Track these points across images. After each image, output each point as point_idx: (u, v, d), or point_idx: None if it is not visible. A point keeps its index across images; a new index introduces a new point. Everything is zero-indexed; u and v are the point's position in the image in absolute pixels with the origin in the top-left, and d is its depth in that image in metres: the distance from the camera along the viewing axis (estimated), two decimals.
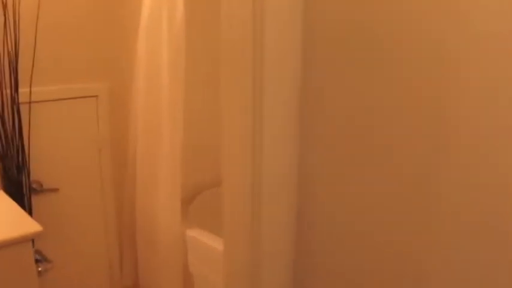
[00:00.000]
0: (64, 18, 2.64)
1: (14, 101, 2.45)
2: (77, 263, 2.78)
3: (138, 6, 2.74)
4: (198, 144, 3.24)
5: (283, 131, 1.28)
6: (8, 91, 2.43)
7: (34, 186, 2.63)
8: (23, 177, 2.52)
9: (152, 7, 2.68)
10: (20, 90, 2.47)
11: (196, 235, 2.90)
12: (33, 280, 2.06)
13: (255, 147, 1.23)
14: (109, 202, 2.98)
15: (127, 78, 2.85)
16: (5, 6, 2.38)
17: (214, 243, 2.81)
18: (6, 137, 2.45)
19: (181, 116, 2.76)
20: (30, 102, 2.53)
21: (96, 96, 2.79)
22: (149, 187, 2.89)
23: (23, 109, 2.51)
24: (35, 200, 2.61)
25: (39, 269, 2.16)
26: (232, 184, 1.32)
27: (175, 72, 2.70)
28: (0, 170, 2.47)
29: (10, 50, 2.40)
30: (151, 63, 2.74)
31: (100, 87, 2.80)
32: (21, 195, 2.52)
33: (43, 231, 2.01)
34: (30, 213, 2.53)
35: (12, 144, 2.47)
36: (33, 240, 2.03)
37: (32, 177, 2.60)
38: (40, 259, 2.37)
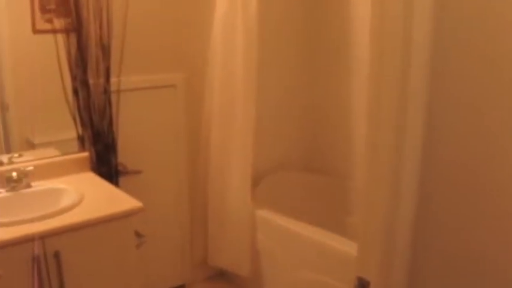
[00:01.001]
0: (147, 13, 2.86)
1: (106, 90, 2.67)
2: (152, 240, 3.00)
3: (213, 2, 2.95)
4: (269, 130, 3.43)
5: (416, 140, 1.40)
6: (101, 80, 2.66)
7: (120, 168, 2.85)
8: (112, 159, 2.76)
9: (227, 2, 2.88)
10: (111, 79, 2.69)
11: (266, 215, 3.09)
12: (132, 252, 2.30)
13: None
14: (184, 183, 3.19)
15: (202, 69, 3.05)
16: (99, 3, 2.60)
17: (283, 222, 3.00)
18: (99, 123, 2.68)
19: (254, 102, 2.96)
20: (118, 91, 2.74)
21: (174, 85, 3.00)
22: (222, 169, 3.10)
23: (112, 97, 2.74)
24: (121, 181, 2.83)
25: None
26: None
27: (248, 63, 2.90)
28: (93, 153, 2.70)
29: (105, 42, 2.62)
30: (226, 54, 2.94)
31: (178, 77, 3.00)
32: (110, 176, 2.75)
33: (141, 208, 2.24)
34: None
35: (104, 130, 2.70)
36: None
37: (118, 160, 2.82)
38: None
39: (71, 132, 2.66)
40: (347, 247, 2.63)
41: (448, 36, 1.37)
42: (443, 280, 1.34)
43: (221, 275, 3.48)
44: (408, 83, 1.38)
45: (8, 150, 2.55)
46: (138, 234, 2.45)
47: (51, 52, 2.55)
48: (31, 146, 2.62)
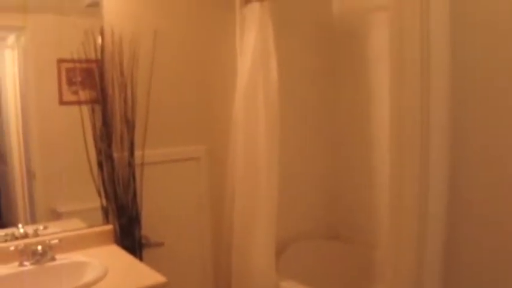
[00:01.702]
0: (171, 87, 2.95)
1: (130, 163, 2.72)
2: None
3: (233, 76, 3.03)
4: (291, 198, 3.44)
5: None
6: (126, 154, 2.70)
7: (143, 240, 2.86)
8: (136, 232, 2.77)
9: (249, 75, 2.95)
10: (135, 152, 2.74)
11: (290, 286, 3.06)
12: None
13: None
14: (207, 254, 3.19)
15: (225, 140, 3.10)
16: (124, 79, 2.68)
17: None
18: (123, 196, 2.71)
19: (277, 171, 2.98)
20: (142, 164, 2.78)
21: (198, 157, 3.04)
22: (245, 241, 3.08)
23: (136, 170, 2.78)
24: (144, 254, 2.84)
25: None
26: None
27: (271, 133, 2.94)
28: (117, 226, 2.72)
29: (129, 117, 2.68)
30: (248, 125, 2.98)
31: (201, 149, 3.05)
32: (134, 249, 2.75)
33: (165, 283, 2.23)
34: None
35: (128, 203, 2.73)
36: None
37: (141, 233, 2.84)
38: None
39: (95, 202, 2.70)
40: None
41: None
42: None
43: None
44: (428, 155, 1.40)
45: (34, 219, 2.59)
46: None
47: (76, 124, 2.61)
48: (56, 215, 2.65)
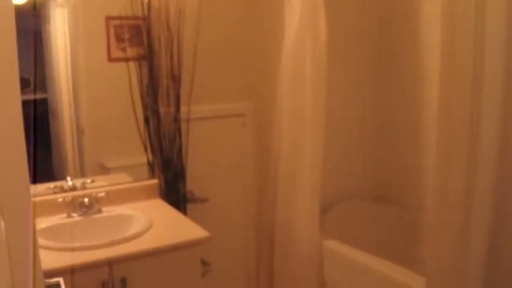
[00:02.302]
0: (217, 43, 2.93)
1: (176, 119, 2.72)
2: (217, 269, 3.00)
3: (281, 32, 2.97)
4: (338, 158, 3.40)
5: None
6: (171, 109, 2.71)
7: (187, 195, 2.88)
8: (181, 187, 2.79)
9: (296, 33, 2.89)
10: (181, 108, 2.74)
11: (334, 246, 3.05)
12: (198, 280, 2.30)
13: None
14: (250, 212, 3.20)
15: (272, 98, 3.07)
16: (170, 34, 2.66)
17: (352, 254, 2.94)
18: (168, 151, 2.72)
19: (323, 131, 2.93)
20: (188, 120, 2.79)
21: (244, 114, 3.02)
22: (289, 200, 3.07)
23: (182, 125, 2.79)
24: (188, 208, 2.86)
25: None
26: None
27: (318, 92, 2.89)
28: (162, 180, 2.74)
29: (175, 72, 2.68)
30: (295, 84, 2.93)
31: (247, 106, 3.03)
32: (178, 203, 2.78)
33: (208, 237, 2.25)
34: None
35: (173, 158, 2.74)
36: None
37: (186, 188, 2.85)
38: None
39: (142, 157, 2.73)
40: (416, 282, 2.55)
41: None
42: None
43: None
44: (480, 120, 1.35)
45: (83, 173, 2.65)
46: (204, 263, 2.46)
47: (124, 80, 2.63)
48: (104, 170, 2.70)
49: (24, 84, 2.55)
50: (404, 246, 3.41)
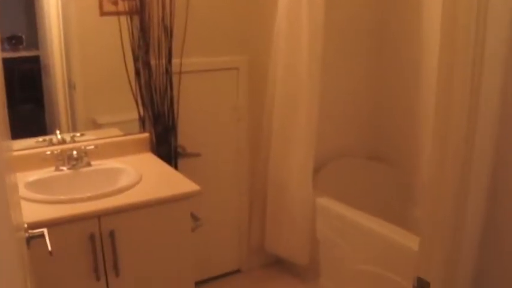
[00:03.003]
0: None
1: (167, 71, 2.66)
2: (209, 224, 2.99)
3: None
4: (334, 116, 3.36)
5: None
6: (163, 61, 2.64)
7: (179, 150, 2.84)
8: (172, 140, 2.75)
9: None
10: (173, 60, 2.68)
11: (327, 203, 3.03)
12: (188, 235, 2.28)
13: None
14: (243, 168, 3.16)
15: (266, 52, 3.00)
16: None
17: (345, 211, 2.92)
18: (159, 104, 2.67)
19: (319, 87, 2.90)
20: (180, 73, 2.73)
21: (237, 68, 2.96)
22: (283, 155, 3.04)
23: (173, 78, 2.72)
24: (179, 163, 2.82)
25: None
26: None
27: (314, 47, 2.83)
28: (153, 134, 2.70)
29: (167, 23, 2.60)
30: (291, 37, 2.87)
31: (241, 60, 2.96)
32: (169, 158, 2.74)
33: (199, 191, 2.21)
34: None
35: (164, 111, 2.69)
36: None
37: (177, 142, 2.81)
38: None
39: (134, 113, 2.68)
40: (410, 241, 2.54)
41: None
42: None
43: (278, 262, 3.44)
44: (481, 76, 1.29)
45: (75, 129, 2.61)
46: (194, 217, 2.44)
47: (116, 34, 2.56)
48: (96, 125, 2.67)
49: (17, 41, 2.51)
50: (397, 205, 3.41)
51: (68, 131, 2.58)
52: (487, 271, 1.27)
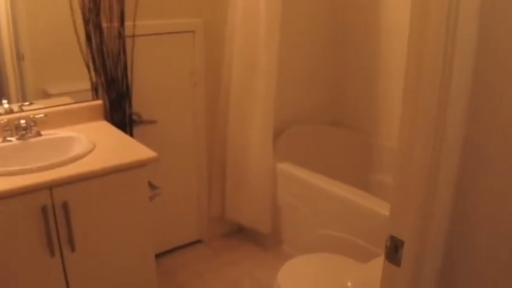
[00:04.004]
0: None
1: (120, 34, 2.53)
2: (167, 193, 2.90)
3: None
4: (292, 81, 3.29)
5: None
6: (115, 24, 2.51)
7: (134, 117, 2.72)
8: (126, 107, 2.63)
9: None
10: (125, 23, 2.54)
11: (288, 168, 2.97)
12: (146, 204, 2.18)
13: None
14: (201, 134, 3.07)
15: (222, 15, 2.89)
16: None
17: (306, 176, 2.88)
18: (112, 69, 2.54)
19: (277, 49, 2.81)
20: (134, 36, 2.60)
21: (193, 31, 2.84)
22: (242, 120, 2.96)
23: (126, 42, 2.59)
24: (134, 131, 2.71)
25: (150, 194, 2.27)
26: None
27: (272, 8, 2.73)
28: (106, 101, 2.57)
29: None
30: (248, 0, 2.77)
31: (196, 22, 2.84)
32: (124, 125, 2.62)
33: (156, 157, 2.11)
34: None
35: (118, 77, 2.56)
36: None
37: (132, 109, 2.69)
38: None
39: (86, 82, 2.55)
40: (372, 204, 2.52)
41: None
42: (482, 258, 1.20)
43: (239, 230, 3.39)
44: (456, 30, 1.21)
45: (25, 100, 2.46)
46: (152, 186, 2.34)
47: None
48: (47, 96, 2.52)
49: None
50: (358, 169, 3.41)
51: (18, 102, 2.42)
52: (458, 246, 1.23)
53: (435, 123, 1.20)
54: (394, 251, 1.21)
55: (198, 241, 3.29)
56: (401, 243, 1.19)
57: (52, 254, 1.95)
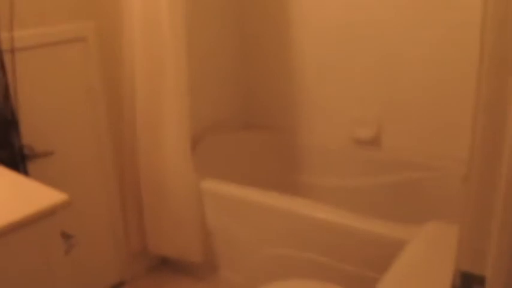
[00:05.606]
0: None
1: None
2: (83, 238, 2.42)
3: None
4: (200, 87, 2.96)
5: None
6: None
7: (25, 151, 2.22)
8: (14, 140, 2.13)
9: None
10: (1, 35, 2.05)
11: (213, 185, 2.62)
12: (61, 261, 1.70)
13: None
14: (108, 159, 2.62)
15: (116, 15, 2.47)
16: None
17: (235, 191, 2.55)
18: None
19: (184, 50, 2.47)
20: (13, 50, 2.09)
21: (85, 38, 2.38)
22: (153, 136, 2.57)
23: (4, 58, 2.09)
24: (29, 168, 2.22)
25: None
26: None
27: (175, 9, 2.37)
28: None
29: None
30: None
31: (87, 26, 2.39)
32: (15, 162, 2.13)
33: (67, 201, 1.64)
34: None
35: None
36: None
37: (22, 141, 2.20)
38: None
39: None
40: (312, 211, 2.30)
41: None
42: None
43: (166, 263, 2.97)
44: None
45: None
46: (65, 236, 1.86)
47: None
48: None
49: None
50: (284, 173, 3.24)
51: None
52: None
53: None
54: None
55: (120, 283, 2.82)
56: (481, 280, 0.86)
57: None
